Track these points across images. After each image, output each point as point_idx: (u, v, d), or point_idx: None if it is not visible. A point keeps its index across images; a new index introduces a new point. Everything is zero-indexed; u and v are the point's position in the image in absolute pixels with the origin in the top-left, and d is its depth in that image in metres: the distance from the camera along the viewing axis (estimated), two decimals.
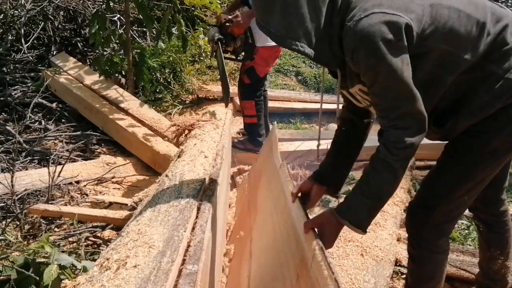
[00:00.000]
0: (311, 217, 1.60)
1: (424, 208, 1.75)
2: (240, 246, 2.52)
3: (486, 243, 2.11)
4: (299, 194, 1.81)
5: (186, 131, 2.72)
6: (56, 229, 3.25)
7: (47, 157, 4.17)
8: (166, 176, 1.90)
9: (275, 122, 5.54)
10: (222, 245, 2.31)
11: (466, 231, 3.03)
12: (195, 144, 2.36)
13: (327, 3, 1.39)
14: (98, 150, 4.57)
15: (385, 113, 1.50)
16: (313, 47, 1.40)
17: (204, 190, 1.67)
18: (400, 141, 1.46)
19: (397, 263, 2.61)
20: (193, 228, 1.31)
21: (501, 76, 1.56)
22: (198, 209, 1.48)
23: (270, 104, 5.20)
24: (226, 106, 3.57)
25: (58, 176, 3.63)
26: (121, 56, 5.16)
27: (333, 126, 5.65)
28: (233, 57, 4.17)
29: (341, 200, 1.67)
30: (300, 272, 1.42)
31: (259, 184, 2.84)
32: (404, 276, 2.56)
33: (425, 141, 5.09)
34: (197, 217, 1.40)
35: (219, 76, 5.64)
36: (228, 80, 3.75)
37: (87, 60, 5.69)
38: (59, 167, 3.64)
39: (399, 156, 1.48)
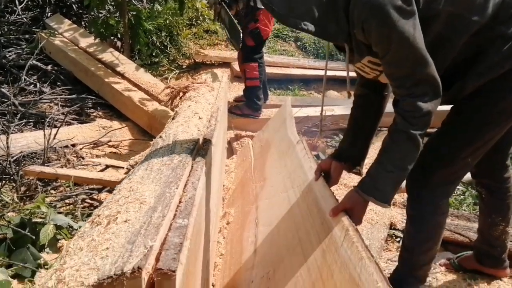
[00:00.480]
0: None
1: (426, 169, 1.73)
2: (243, 212, 2.52)
3: (488, 209, 2.10)
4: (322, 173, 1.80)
5: (181, 94, 2.69)
6: (52, 191, 3.24)
7: (43, 120, 4.14)
8: (160, 137, 1.88)
9: (280, 90, 5.50)
10: (217, 206, 2.32)
11: (462, 196, 3.04)
12: (189, 106, 2.33)
13: None
14: (93, 114, 4.54)
15: (400, 82, 1.48)
16: (317, 23, 1.37)
17: (198, 150, 1.65)
18: (418, 110, 1.44)
19: (391, 226, 2.63)
20: (185, 186, 1.29)
21: (510, 37, 1.54)
22: (191, 167, 1.46)
23: (268, 70, 5.14)
24: (237, 49, 3.50)
25: (54, 138, 3.60)
26: (116, 19, 5.06)
27: (333, 93, 5.60)
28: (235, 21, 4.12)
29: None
30: (327, 248, 1.42)
31: (267, 155, 2.84)
32: (398, 239, 2.59)
33: None
34: (189, 175, 1.39)
35: (222, 37, 5.55)
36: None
37: (82, 23, 5.59)
38: (54, 130, 3.61)
39: (419, 125, 1.46)
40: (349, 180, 3.08)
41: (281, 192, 2.14)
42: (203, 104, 2.36)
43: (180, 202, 1.17)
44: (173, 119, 2.22)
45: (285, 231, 1.81)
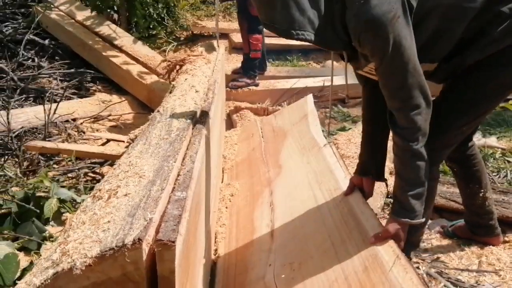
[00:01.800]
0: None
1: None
2: (251, 190, 2.56)
3: (463, 181, 2.18)
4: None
5: (178, 67, 2.69)
6: (55, 166, 3.29)
7: (42, 95, 4.15)
8: (158, 111, 1.90)
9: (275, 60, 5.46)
10: (217, 177, 2.36)
11: None
12: (186, 79, 2.34)
13: None
14: (93, 88, 4.54)
15: (394, 93, 1.50)
16: (316, 32, 1.42)
17: (195, 123, 1.67)
18: (413, 125, 1.49)
19: (388, 195, 2.67)
20: (184, 159, 1.33)
21: (508, 15, 1.56)
22: (189, 141, 1.49)
23: (267, 41, 5.10)
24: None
25: (54, 113, 3.62)
26: None
27: (331, 63, 5.56)
28: None
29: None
30: (370, 266, 1.47)
31: (283, 144, 2.90)
32: None
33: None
34: (187, 148, 1.42)
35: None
36: None
37: None
38: (54, 105, 3.63)
39: (418, 140, 1.51)
40: None
41: (305, 188, 2.22)
42: (200, 77, 2.37)
43: (178, 175, 1.21)
44: (170, 92, 2.24)
45: (313, 230, 1.87)
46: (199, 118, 1.74)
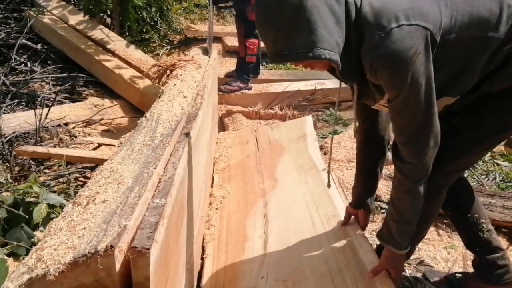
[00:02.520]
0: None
1: (439, 158, 1.62)
2: (244, 198, 2.60)
3: (460, 215, 1.97)
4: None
5: (168, 71, 2.70)
6: (46, 170, 3.29)
7: (34, 100, 4.16)
8: (145, 117, 1.91)
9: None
10: (206, 181, 2.37)
11: None
12: (175, 85, 2.35)
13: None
14: (85, 92, 4.55)
15: (403, 127, 1.47)
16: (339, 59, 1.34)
17: (181, 129, 1.68)
18: (417, 159, 1.47)
19: (377, 198, 2.69)
20: (166, 166, 1.34)
21: None
22: (173, 147, 1.50)
23: (262, 44, 5.12)
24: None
25: (46, 118, 3.63)
26: None
27: None
28: (231, 3, 4.21)
29: None
30: None
31: (279, 158, 2.97)
32: (383, 210, 2.65)
33: None
34: (171, 155, 1.43)
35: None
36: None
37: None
38: (46, 110, 3.64)
39: (419, 178, 1.51)
40: None
41: (302, 208, 2.30)
42: (189, 83, 2.38)
43: (159, 182, 1.21)
44: (159, 97, 2.24)
45: (309, 252, 1.94)
46: (185, 124, 1.75)
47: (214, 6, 4.17)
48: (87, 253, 0.85)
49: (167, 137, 1.54)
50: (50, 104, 3.88)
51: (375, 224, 2.57)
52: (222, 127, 3.99)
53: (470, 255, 2.21)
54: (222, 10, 5.49)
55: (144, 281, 0.88)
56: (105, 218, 0.98)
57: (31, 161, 3.28)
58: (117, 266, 0.88)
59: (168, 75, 2.66)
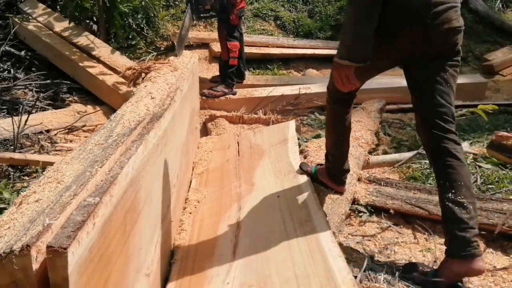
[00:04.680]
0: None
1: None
2: (219, 201, 2.56)
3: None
4: None
5: (143, 74, 2.67)
6: (26, 177, 3.24)
7: (17, 107, 4.12)
8: (110, 119, 1.87)
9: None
10: (179, 186, 2.32)
11: (428, 170, 3.05)
12: (145, 86, 2.31)
13: None
14: (69, 99, 4.52)
15: None
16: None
17: (140, 130, 1.64)
18: None
19: (354, 201, 2.65)
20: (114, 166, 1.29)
21: None
22: (126, 147, 1.46)
23: (247, 50, 5.11)
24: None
25: (25, 124, 3.60)
26: (91, 1, 4.98)
27: (312, 72, 5.57)
28: (213, 13, 4.27)
29: None
30: None
31: (258, 162, 2.95)
32: (361, 214, 2.61)
33: (398, 83, 5.06)
34: (121, 155, 1.39)
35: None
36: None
37: (57, 7, 5.50)
38: (26, 117, 3.60)
39: None
40: None
41: (275, 213, 2.26)
42: (160, 84, 2.34)
43: (102, 181, 1.17)
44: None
45: (278, 257, 1.90)
46: (146, 124, 1.71)
47: (195, 16, 4.18)
48: (2, 253, 0.81)
49: (123, 136, 1.50)
50: (30, 110, 3.83)
51: (352, 227, 2.52)
52: (205, 132, 3.96)
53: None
54: (203, 20, 5.50)
55: (62, 283, 0.84)
56: (32, 217, 0.94)
57: (9, 168, 3.24)
58: (35, 266, 0.84)
59: (143, 78, 2.63)
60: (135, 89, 2.41)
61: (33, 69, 4.77)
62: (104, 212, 1.05)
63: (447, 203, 1.88)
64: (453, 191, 1.89)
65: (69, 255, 0.84)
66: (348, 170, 2.49)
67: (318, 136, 3.81)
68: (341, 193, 2.51)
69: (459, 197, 1.87)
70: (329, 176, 2.50)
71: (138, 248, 1.47)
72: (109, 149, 1.37)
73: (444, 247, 2.14)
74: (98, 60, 4.66)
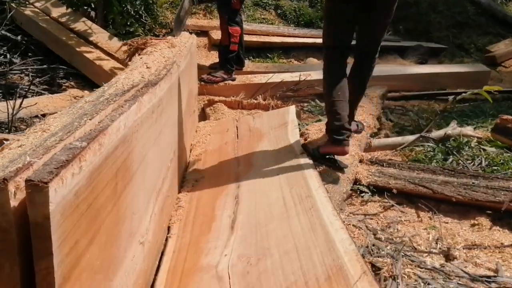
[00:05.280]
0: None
1: None
2: (217, 180, 2.52)
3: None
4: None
5: (139, 50, 2.59)
6: None
7: (12, 91, 4.05)
8: (103, 85, 1.80)
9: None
10: (175, 162, 2.25)
11: (432, 153, 2.99)
12: (141, 58, 2.24)
13: None
14: (65, 84, 4.44)
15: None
16: None
17: (134, 92, 1.57)
18: None
19: (356, 182, 2.58)
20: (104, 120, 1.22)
21: None
22: (118, 105, 1.39)
23: (247, 38, 5.05)
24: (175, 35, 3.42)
25: (20, 107, 3.52)
26: None
27: (312, 61, 5.50)
28: None
29: None
30: (334, 276, 1.47)
31: (257, 144, 2.91)
32: (363, 194, 2.54)
33: (401, 71, 5.04)
34: (113, 110, 1.32)
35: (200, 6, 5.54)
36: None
37: None
38: (21, 101, 3.53)
39: None
40: None
41: (274, 188, 2.23)
42: (156, 57, 2.27)
43: (91, 130, 1.10)
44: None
45: (277, 230, 1.85)
46: (141, 89, 1.64)
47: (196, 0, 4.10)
48: None
49: (115, 96, 1.43)
50: (25, 94, 3.76)
51: (354, 207, 2.46)
52: (203, 117, 3.88)
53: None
54: (204, 4, 5.42)
55: (43, 221, 0.77)
56: (12, 158, 0.87)
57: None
58: (13, 203, 0.77)
59: (139, 54, 2.55)
60: (130, 62, 2.33)
61: (29, 54, 4.69)
62: (93, 160, 0.98)
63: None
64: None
65: (50, 191, 0.76)
66: (347, 129, 2.47)
67: (318, 121, 3.74)
68: (343, 154, 2.49)
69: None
70: (329, 141, 2.52)
71: (131, 212, 1.40)
72: (100, 105, 1.30)
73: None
74: (95, 45, 4.58)
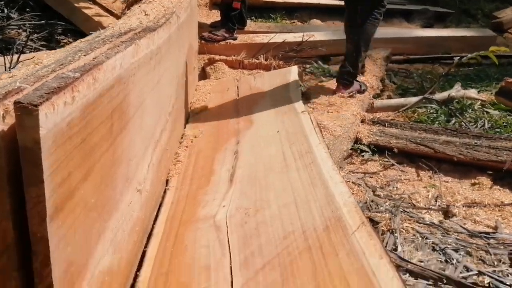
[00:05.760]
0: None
1: None
2: (217, 136, 2.50)
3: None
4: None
5: (138, 2, 2.51)
6: None
7: (10, 47, 3.98)
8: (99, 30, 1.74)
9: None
10: (174, 116, 2.22)
11: (434, 114, 2.95)
12: (139, 6, 2.18)
13: None
14: (64, 41, 4.36)
15: None
16: None
17: (131, 35, 1.52)
18: None
19: (357, 141, 2.55)
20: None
21: None
22: (114, 45, 1.34)
23: None
24: None
25: (17, 62, 3.46)
26: None
27: (316, 22, 5.39)
28: None
29: None
30: (332, 227, 1.46)
31: (258, 102, 2.89)
32: (363, 153, 2.52)
33: (406, 34, 5.00)
34: (108, 49, 1.27)
35: None
36: None
37: None
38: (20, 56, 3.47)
39: None
40: None
41: (274, 144, 2.21)
42: (155, 5, 2.20)
43: (85, 64, 1.06)
44: None
45: (276, 183, 1.85)
46: (138, 32, 1.58)
47: None
48: None
49: (112, 37, 1.38)
50: (21, 49, 3.70)
51: (354, 166, 2.44)
52: (203, 76, 3.82)
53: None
54: None
55: (33, 146, 0.74)
56: (2, 85, 0.84)
57: None
58: (2, 127, 0.74)
59: (139, 6, 2.47)
60: (127, 11, 2.27)
61: (27, 9, 4.59)
62: (86, 93, 0.95)
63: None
64: None
65: (40, 115, 0.73)
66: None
67: (319, 82, 3.69)
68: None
69: None
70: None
71: (128, 157, 1.38)
72: (95, 44, 1.26)
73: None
74: (94, 1, 4.50)
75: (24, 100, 0.73)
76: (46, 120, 0.76)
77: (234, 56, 3.95)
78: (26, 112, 0.72)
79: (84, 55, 1.11)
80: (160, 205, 1.88)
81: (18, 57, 3.47)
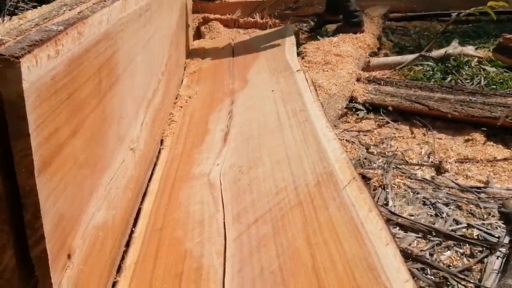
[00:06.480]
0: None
1: None
2: (211, 96, 2.50)
3: None
4: None
5: None
6: None
7: (1, 9, 3.92)
8: None
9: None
10: (167, 75, 2.21)
11: (431, 72, 2.93)
12: None
13: None
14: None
15: None
16: None
17: None
18: None
19: (352, 100, 2.54)
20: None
21: None
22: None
23: None
24: None
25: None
26: None
27: None
28: None
29: None
30: (323, 182, 1.48)
31: (253, 61, 2.88)
32: (358, 112, 2.52)
33: None
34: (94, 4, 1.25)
35: None
36: None
37: None
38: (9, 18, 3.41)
39: None
40: None
41: (268, 103, 2.22)
42: None
43: (69, 18, 1.04)
44: None
45: (270, 141, 1.87)
46: None
47: None
48: None
49: None
50: (13, 11, 3.64)
51: (348, 124, 2.44)
52: (198, 36, 3.77)
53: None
54: None
55: (16, 100, 0.74)
56: None
57: None
58: None
59: None
60: None
61: None
62: (71, 48, 0.94)
63: None
64: None
65: (23, 68, 0.73)
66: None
67: (315, 40, 3.64)
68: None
69: None
70: None
71: (119, 115, 1.38)
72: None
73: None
74: None
75: (5, 52, 0.72)
76: (29, 73, 0.75)
77: (229, 15, 3.89)
78: (8, 65, 0.72)
79: (69, 10, 1.09)
80: (155, 164, 1.90)
81: (10, 19, 3.42)
